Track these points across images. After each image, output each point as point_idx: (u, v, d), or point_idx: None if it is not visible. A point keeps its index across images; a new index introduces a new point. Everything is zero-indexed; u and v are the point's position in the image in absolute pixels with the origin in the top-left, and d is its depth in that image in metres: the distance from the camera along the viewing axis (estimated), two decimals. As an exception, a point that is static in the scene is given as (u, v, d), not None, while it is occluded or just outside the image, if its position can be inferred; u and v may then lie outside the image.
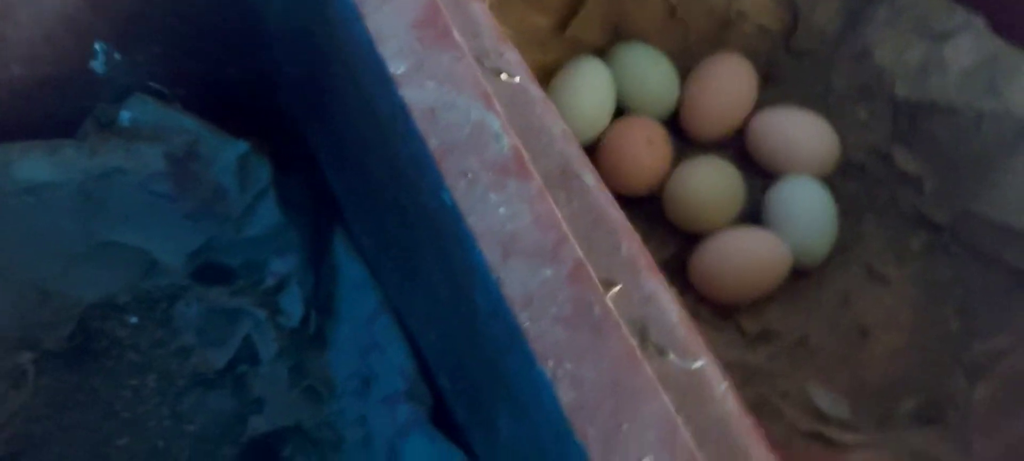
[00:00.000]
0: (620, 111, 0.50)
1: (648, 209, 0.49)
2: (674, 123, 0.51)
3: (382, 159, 0.32)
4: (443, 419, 0.33)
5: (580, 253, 0.24)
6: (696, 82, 0.50)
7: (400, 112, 0.27)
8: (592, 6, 0.48)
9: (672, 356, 0.24)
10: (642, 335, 0.24)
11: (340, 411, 0.39)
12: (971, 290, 0.44)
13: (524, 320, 0.23)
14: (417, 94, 0.26)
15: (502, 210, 0.24)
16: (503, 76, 0.28)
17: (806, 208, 0.46)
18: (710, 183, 0.47)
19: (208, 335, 0.41)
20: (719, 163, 0.48)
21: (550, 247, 0.24)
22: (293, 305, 0.41)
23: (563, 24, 0.49)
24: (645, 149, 0.48)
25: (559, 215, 0.24)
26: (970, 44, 0.45)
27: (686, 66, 0.51)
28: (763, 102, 0.50)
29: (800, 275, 0.46)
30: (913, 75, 0.47)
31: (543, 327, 0.23)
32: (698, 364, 0.23)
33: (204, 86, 0.43)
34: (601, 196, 0.26)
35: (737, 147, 0.50)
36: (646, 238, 0.49)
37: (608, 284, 0.24)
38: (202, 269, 0.42)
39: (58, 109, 0.40)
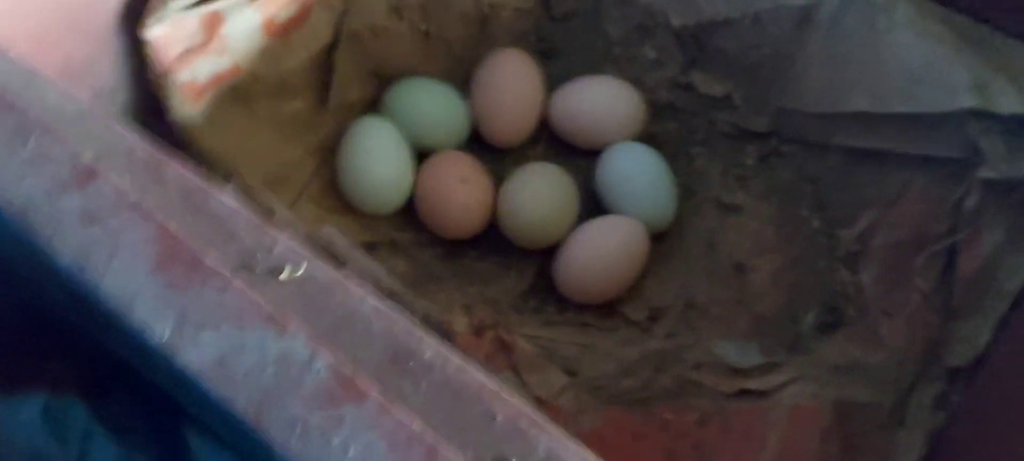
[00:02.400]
0: (418, 155, 0.46)
1: (491, 242, 0.45)
2: (476, 140, 0.47)
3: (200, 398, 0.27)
4: None
5: (458, 456, 0.20)
6: (480, 94, 0.46)
7: (187, 381, 0.22)
8: (343, 65, 0.43)
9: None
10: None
11: None
12: (817, 183, 0.44)
13: None
14: (196, 355, 0.21)
15: (351, 451, 0.20)
16: (284, 274, 0.23)
17: (639, 174, 0.44)
18: (542, 195, 0.44)
19: None
20: (541, 170, 0.45)
21: (421, 469, 0.20)
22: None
23: (320, 97, 0.44)
24: (462, 189, 0.44)
25: (415, 425, 0.20)
26: (724, -50, 0.43)
27: (462, 80, 0.47)
28: (552, 81, 0.47)
29: (660, 238, 0.44)
30: (680, 1, 0.45)
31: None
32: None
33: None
34: (448, 365, 0.22)
35: (547, 137, 0.47)
36: (503, 271, 0.46)
37: (501, 467, 0.21)
38: None
39: None
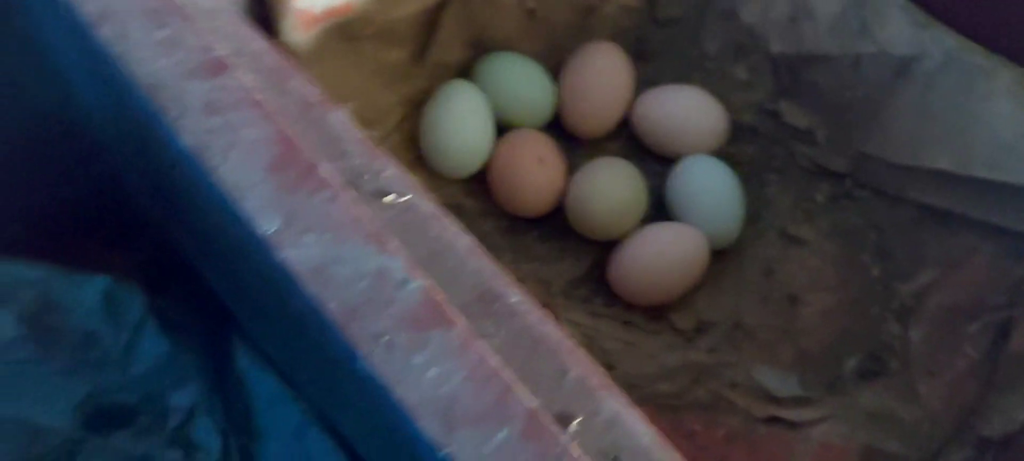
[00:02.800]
0: (499, 128, 0.47)
1: (553, 225, 0.46)
2: (557, 125, 0.48)
3: (275, 306, 0.28)
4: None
5: (530, 402, 0.21)
6: (570, 81, 0.47)
7: (284, 277, 0.23)
8: (449, 25, 0.44)
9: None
10: (617, 467, 0.21)
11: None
12: (884, 232, 0.44)
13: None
14: (298, 254, 0.22)
15: (431, 372, 0.21)
16: (387, 198, 0.24)
17: (710, 188, 0.45)
18: (611, 189, 0.44)
19: (120, 490, 0.36)
20: (615, 164, 0.46)
21: (494, 404, 0.21)
22: (208, 437, 0.37)
23: (420, 51, 0.45)
24: (537, 168, 0.45)
25: (494, 362, 0.21)
26: (835, -13, 0.44)
27: (556, 64, 0.48)
28: (642, 82, 0.48)
29: (719, 255, 0.45)
30: (783, 28, 0.46)
31: (509, 497, 0.20)
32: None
33: (42, 219, 0.38)
34: (530, 314, 0.23)
35: (626, 136, 0.48)
36: (559, 255, 0.47)
37: (565, 420, 0.22)
38: (94, 417, 0.37)
39: None
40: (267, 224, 0.23)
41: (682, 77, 0.48)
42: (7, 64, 0.35)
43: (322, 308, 0.22)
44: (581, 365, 0.22)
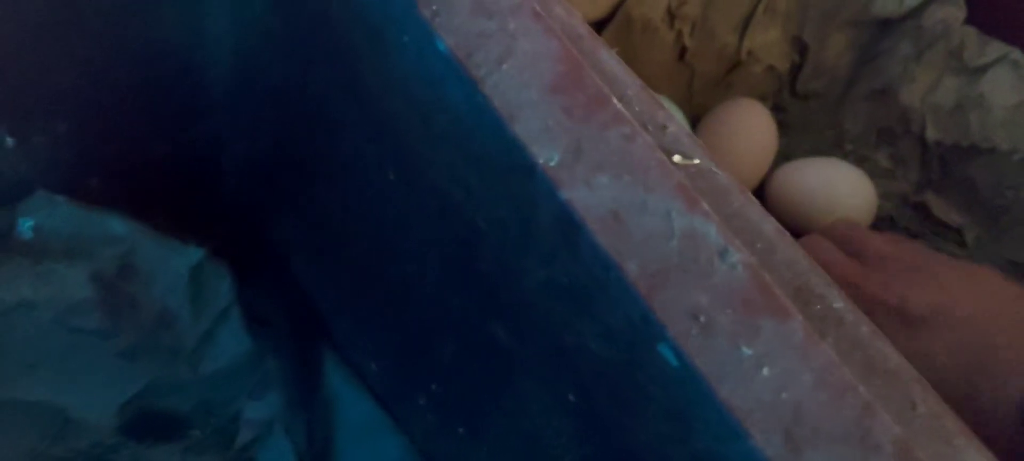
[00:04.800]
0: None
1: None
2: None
3: (449, 273, 0.23)
4: None
5: (898, 429, 0.16)
6: (711, 132, 0.43)
7: (563, 223, 0.18)
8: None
9: None
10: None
11: None
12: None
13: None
14: (589, 196, 0.17)
15: (766, 371, 0.16)
16: (677, 158, 0.20)
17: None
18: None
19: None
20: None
21: (854, 424, 0.16)
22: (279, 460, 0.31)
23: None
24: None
25: (847, 371, 0.16)
26: (1011, 79, 0.41)
27: (690, 113, 0.45)
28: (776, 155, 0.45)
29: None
30: (947, 115, 0.43)
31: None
32: None
33: (127, 174, 0.32)
34: (862, 326, 0.18)
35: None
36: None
37: (919, 463, 0.16)
38: (138, 421, 0.30)
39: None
40: (548, 153, 0.18)
41: (821, 153, 0.45)
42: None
43: (620, 265, 0.17)
44: (931, 399, 0.17)
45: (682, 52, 0.43)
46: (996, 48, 0.41)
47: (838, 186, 0.42)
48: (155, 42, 0.31)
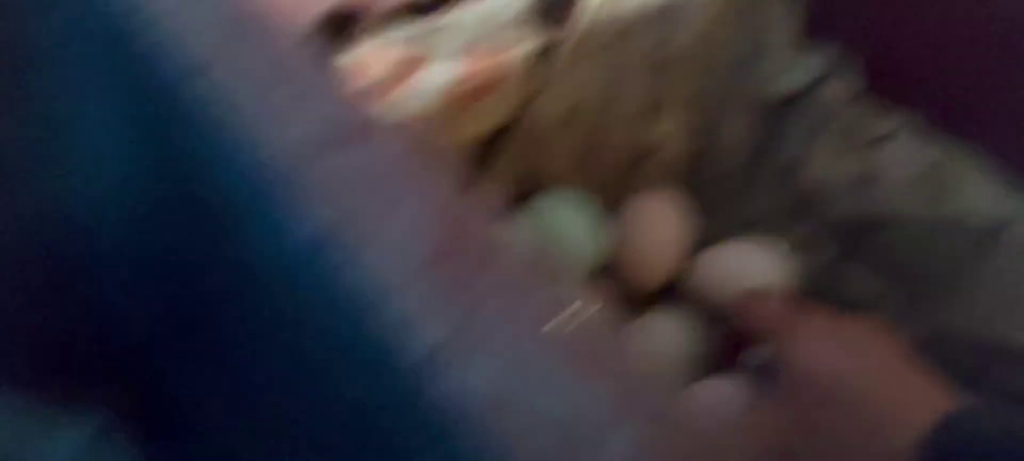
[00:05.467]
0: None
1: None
2: (608, 270, 0.44)
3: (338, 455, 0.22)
4: None
5: None
6: (625, 228, 0.43)
7: (443, 411, 0.17)
8: (506, 158, 0.40)
9: None
10: None
11: None
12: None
13: None
14: (472, 379, 0.17)
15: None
16: (570, 308, 0.19)
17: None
18: (669, 345, 0.40)
19: None
20: (670, 319, 0.41)
21: None
22: None
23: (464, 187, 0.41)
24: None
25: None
26: (907, 150, 0.42)
27: (604, 209, 0.45)
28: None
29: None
30: (851, 189, 0.43)
31: None
32: None
33: (13, 347, 0.30)
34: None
35: (680, 291, 0.44)
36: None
37: None
38: None
39: None
40: (424, 335, 0.17)
41: (732, 236, 0.45)
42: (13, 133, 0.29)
43: (506, 455, 0.16)
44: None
45: (587, 150, 0.43)
46: (890, 120, 0.42)
47: (756, 267, 0.42)
48: (43, 208, 0.30)
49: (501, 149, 0.40)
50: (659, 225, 0.43)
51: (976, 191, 0.40)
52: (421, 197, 0.18)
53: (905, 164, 0.42)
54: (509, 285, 0.17)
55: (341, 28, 0.32)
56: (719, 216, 0.47)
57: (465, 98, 0.37)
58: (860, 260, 0.43)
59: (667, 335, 0.41)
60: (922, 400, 0.31)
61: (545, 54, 0.38)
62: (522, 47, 0.36)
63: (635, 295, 0.43)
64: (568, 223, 0.42)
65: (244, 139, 0.20)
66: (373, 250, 0.18)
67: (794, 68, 0.44)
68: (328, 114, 0.19)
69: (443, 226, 0.18)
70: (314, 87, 0.20)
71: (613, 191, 0.45)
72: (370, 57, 0.32)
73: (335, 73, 0.21)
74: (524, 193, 0.43)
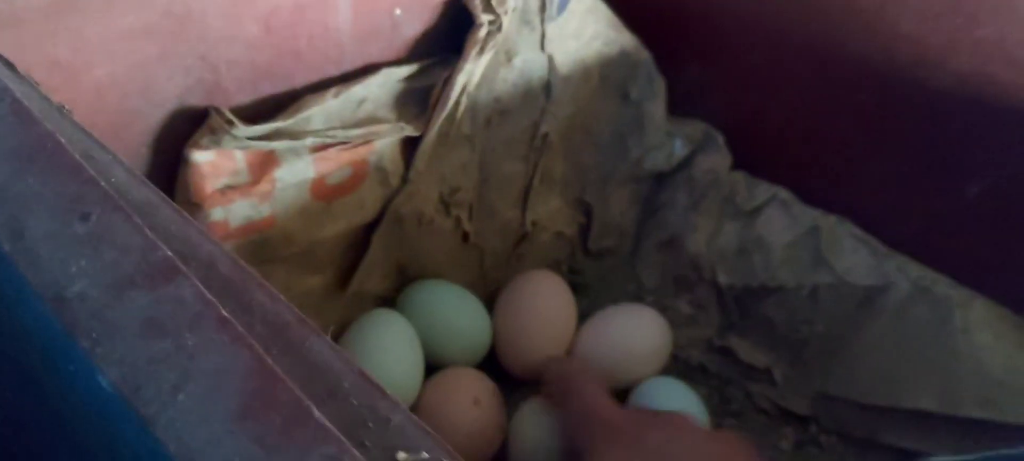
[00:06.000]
0: (428, 366, 0.40)
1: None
2: (492, 360, 0.42)
3: None
4: None
5: None
6: (506, 314, 0.42)
7: None
8: (376, 249, 0.38)
9: None
10: None
11: None
12: (859, 481, 0.40)
13: None
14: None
15: None
16: (401, 456, 0.17)
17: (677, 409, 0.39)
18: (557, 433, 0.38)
19: None
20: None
21: None
22: None
23: (342, 279, 0.39)
24: (473, 411, 0.38)
25: None
26: (783, 218, 0.42)
27: (487, 295, 0.43)
28: (580, 317, 0.44)
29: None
30: (733, 258, 0.43)
31: None
32: None
33: None
34: None
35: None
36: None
37: None
38: None
39: None
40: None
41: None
42: None
43: None
44: None
45: (465, 236, 0.42)
46: (764, 189, 0.43)
47: (634, 332, 0.42)
48: None
49: (380, 239, 0.39)
50: (541, 304, 0.42)
51: (852, 256, 0.40)
52: (229, 346, 0.17)
53: (779, 234, 0.42)
54: (325, 439, 0.16)
55: (189, 130, 0.31)
56: (611, 289, 0.46)
57: (331, 193, 0.35)
58: (746, 329, 0.43)
59: (548, 424, 0.39)
60: None
61: (406, 147, 0.37)
62: (379, 142, 0.35)
63: (520, 378, 0.42)
64: (448, 312, 0.41)
65: (39, 283, 0.18)
66: (177, 408, 0.16)
67: (670, 142, 0.44)
68: (127, 254, 0.17)
69: (252, 378, 0.16)
70: (111, 223, 0.18)
71: (498, 274, 0.44)
72: (214, 165, 0.30)
73: (140, 204, 0.20)
74: (401, 284, 0.41)
